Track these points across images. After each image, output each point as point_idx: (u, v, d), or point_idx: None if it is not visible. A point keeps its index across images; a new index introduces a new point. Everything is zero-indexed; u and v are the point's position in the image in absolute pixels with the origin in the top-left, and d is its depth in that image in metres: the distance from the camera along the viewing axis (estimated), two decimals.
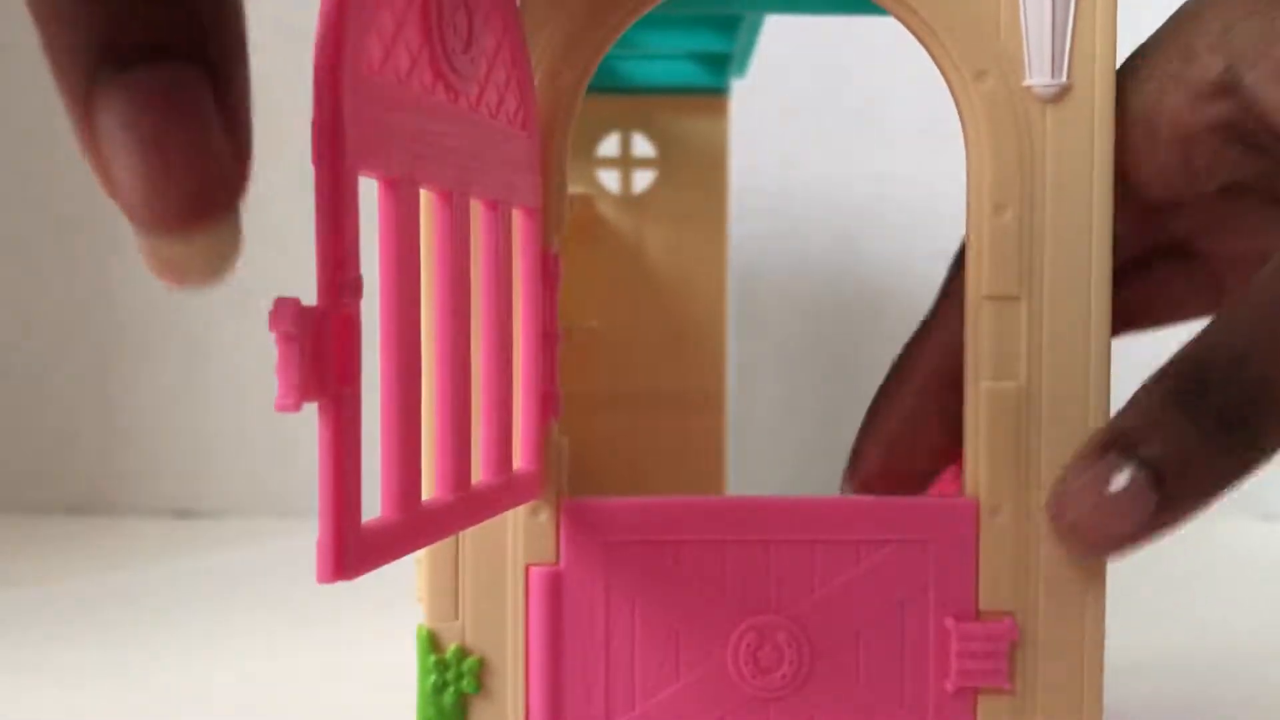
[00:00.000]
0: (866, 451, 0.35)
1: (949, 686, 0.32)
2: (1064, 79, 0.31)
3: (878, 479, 0.34)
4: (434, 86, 0.26)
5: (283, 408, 0.20)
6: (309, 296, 0.21)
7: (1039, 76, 0.31)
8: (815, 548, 0.32)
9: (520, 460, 0.31)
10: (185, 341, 0.82)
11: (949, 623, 0.32)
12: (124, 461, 0.82)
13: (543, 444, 0.32)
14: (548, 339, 0.32)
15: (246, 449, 0.82)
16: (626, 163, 0.60)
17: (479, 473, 0.29)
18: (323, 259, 0.21)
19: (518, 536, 0.32)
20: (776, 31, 0.67)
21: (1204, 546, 0.73)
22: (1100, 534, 0.29)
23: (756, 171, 0.77)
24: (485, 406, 0.29)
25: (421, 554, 0.33)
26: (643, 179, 0.60)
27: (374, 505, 0.24)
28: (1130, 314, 0.34)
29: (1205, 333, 0.29)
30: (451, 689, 0.32)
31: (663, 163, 0.59)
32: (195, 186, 0.19)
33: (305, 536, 0.71)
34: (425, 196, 0.27)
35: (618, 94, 0.58)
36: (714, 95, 0.59)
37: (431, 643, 0.32)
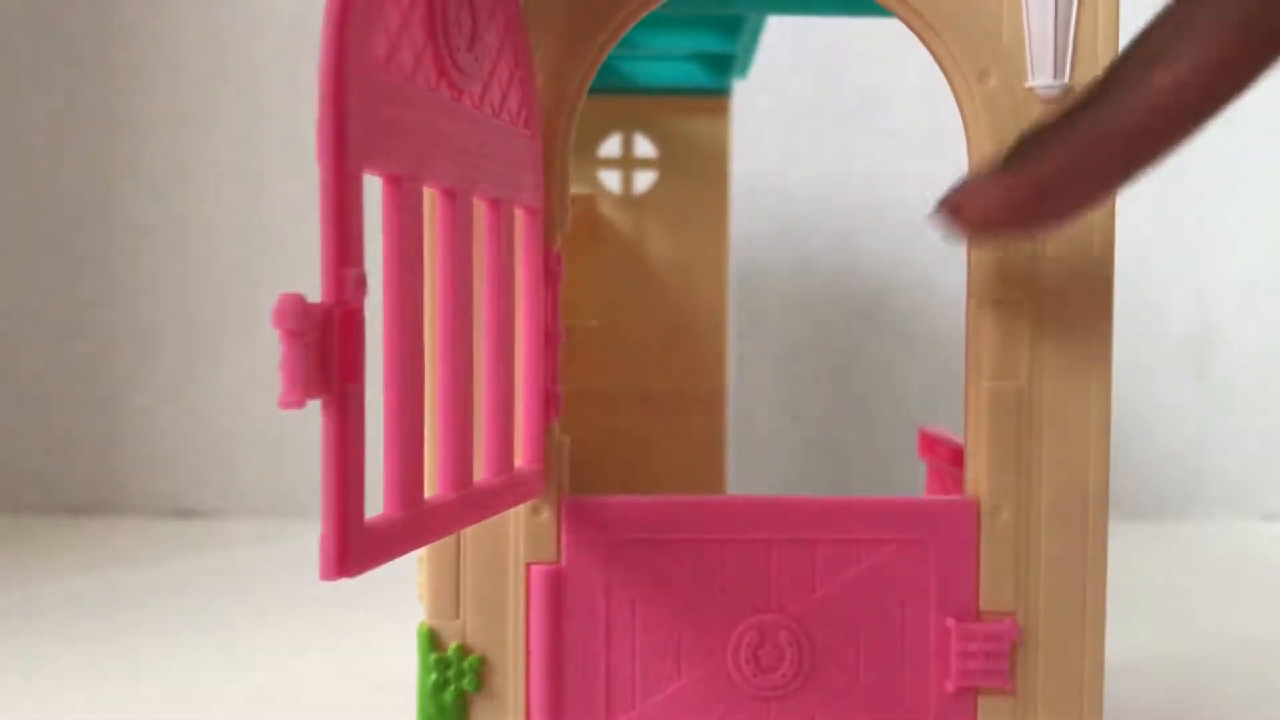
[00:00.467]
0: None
1: (949, 686, 0.32)
2: (1066, 80, 0.31)
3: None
4: (438, 84, 0.26)
5: (286, 405, 0.20)
6: (310, 295, 0.21)
7: (1041, 78, 0.32)
8: (816, 547, 0.32)
9: (522, 458, 0.31)
10: (185, 341, 0.82)
11: (950, 623, 0.32)
12: (124, 461, 0.82)
13: (544, 442, 0.32)
14: (549, 338, 0.32)
15: (246, 449, 0.82)
16: (628, 163, 0.60)
17: (481, 471, 0.29)
18: (327, 256, 0.21)
19: (519, 535, 0.32)
20: (777, 32, 0.67)
21: (1204, 546, 0.73)
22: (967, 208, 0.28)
23: (757, 172, 0.77)
24: (487, 405, 0.29)
25: (422, 552, 0.33)
26: (644, 179, 0.60)
27: (376, 503, 0.24)
28: None
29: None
30: (452, 687, 0.32)
31: (664, 163, 0.59)
32: None
33: (305, 536, 0.71)
34: (428, 194, 0.27)
35: (619, 94, 0.58)
36: (715, 96, 0.59)
37: (432, 641, 0.32)
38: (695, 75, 0.58)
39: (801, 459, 0.81)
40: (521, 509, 0.32)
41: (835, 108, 0.80)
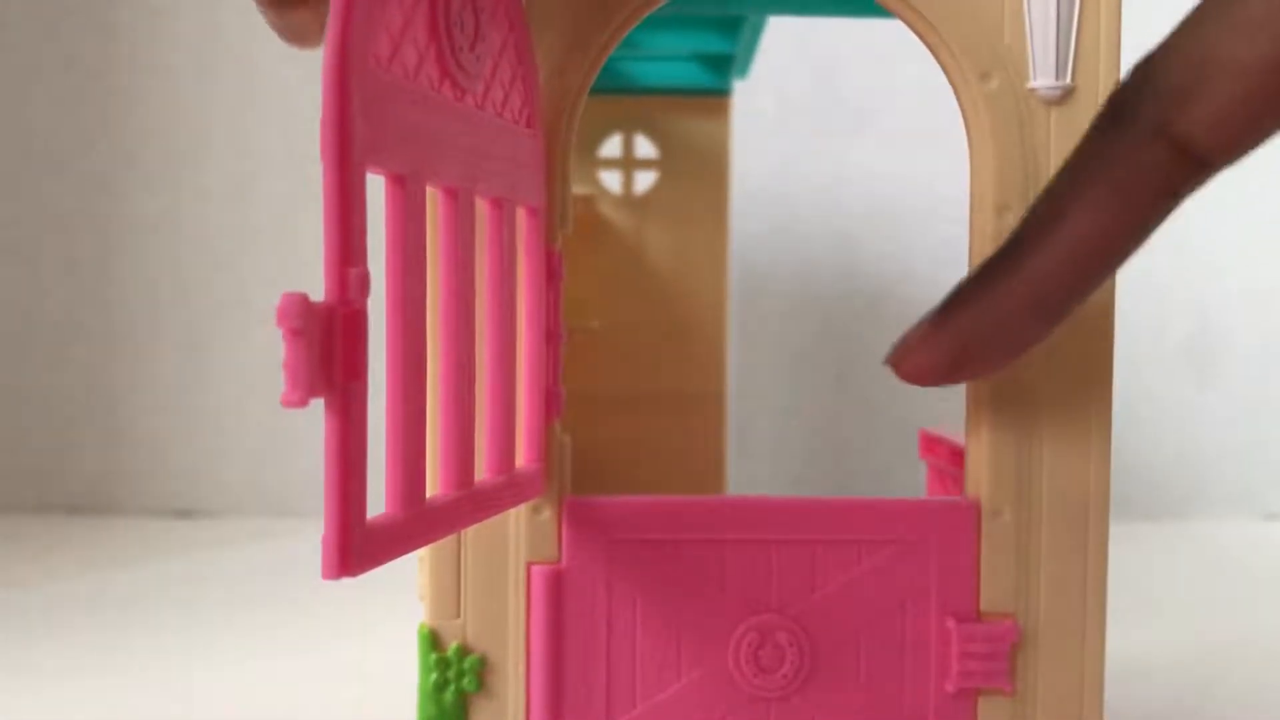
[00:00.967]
0: None
1: (949, 687, 0.32)
2: (1068, 81, 0.31)
3: None
4: (441, 83, 0.26)
5: (289, 404, 0.20)
6: (312, 295, 0.21)
7: (1043, 78, 0.32)
8: (816, 548, 0.32)
9: (523, 458, 0.31)
10: (185, 341, 0.82)
11: (950, 623, 0.32)
12: (124, 461, 0.82)
13: (545, 442, 0.32)
14: (551, 337, 0.32)
15: (246, 449, 0.82)
16: (628, 163, 0.60)
17: (482, 470, 0.29)
18: (330, 255, 0.21)
19: (520, 534, 0.32)
20: (777, 32, 0.67)
21: (1204, 546, 0.73)
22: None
23: (757, 172, 0.77)
24: (489, 404, 0.29)
25: (423, 552, 0.33)
26: (644, 179, 0.60)
27: (377, 502, 0.24)
28: None
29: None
30: (452, 687, 0.32)
31: (664, 163, 0.59)
32: None
33: (306, 536, 0.71)
34: (430, 194, 0.27)
35: (620, 95, 0.58)
36: (716, 96, 0.59)
37: (433, 641, 0.32)
38: (695, 75, 0.58)
39: (802, 459, 0.81)
40: (522, 509, 0.32)
41: (836, 108, 0.80)
